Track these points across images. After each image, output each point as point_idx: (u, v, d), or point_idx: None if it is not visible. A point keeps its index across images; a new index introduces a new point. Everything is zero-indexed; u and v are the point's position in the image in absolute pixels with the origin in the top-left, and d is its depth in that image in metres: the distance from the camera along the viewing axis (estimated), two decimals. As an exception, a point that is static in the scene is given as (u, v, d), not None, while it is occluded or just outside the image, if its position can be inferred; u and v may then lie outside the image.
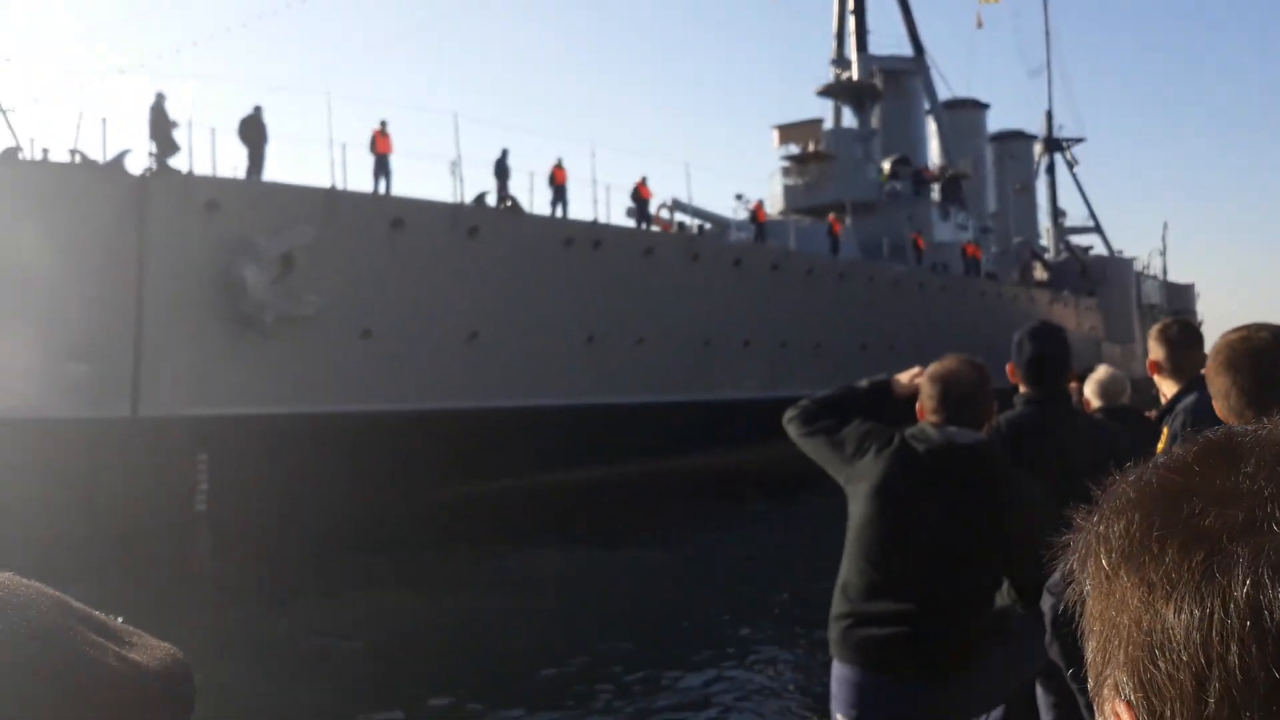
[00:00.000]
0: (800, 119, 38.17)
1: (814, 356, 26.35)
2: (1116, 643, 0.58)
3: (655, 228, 24.82)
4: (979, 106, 46.59)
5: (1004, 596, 3.14)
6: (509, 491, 19.30)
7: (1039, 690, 3.56)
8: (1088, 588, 0.61)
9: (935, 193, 37.85)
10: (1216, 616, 0.50)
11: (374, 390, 18.74)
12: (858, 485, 3.19)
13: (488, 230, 19.95)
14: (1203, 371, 2.77)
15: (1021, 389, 3.56)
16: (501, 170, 20.80)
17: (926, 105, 42.19)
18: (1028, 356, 3.52)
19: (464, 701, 8.72)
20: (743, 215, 28.90)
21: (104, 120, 17.08)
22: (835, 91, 39.45)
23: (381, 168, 19.59)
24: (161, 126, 17.43)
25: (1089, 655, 0.62)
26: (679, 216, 27.03)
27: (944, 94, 43.87)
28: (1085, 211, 54.34)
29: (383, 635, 11.31)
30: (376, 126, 19.73)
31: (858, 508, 3.19)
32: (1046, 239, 50.88)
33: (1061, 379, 3.62)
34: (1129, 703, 0.57)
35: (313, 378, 18.16)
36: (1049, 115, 53.40)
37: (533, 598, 13.39)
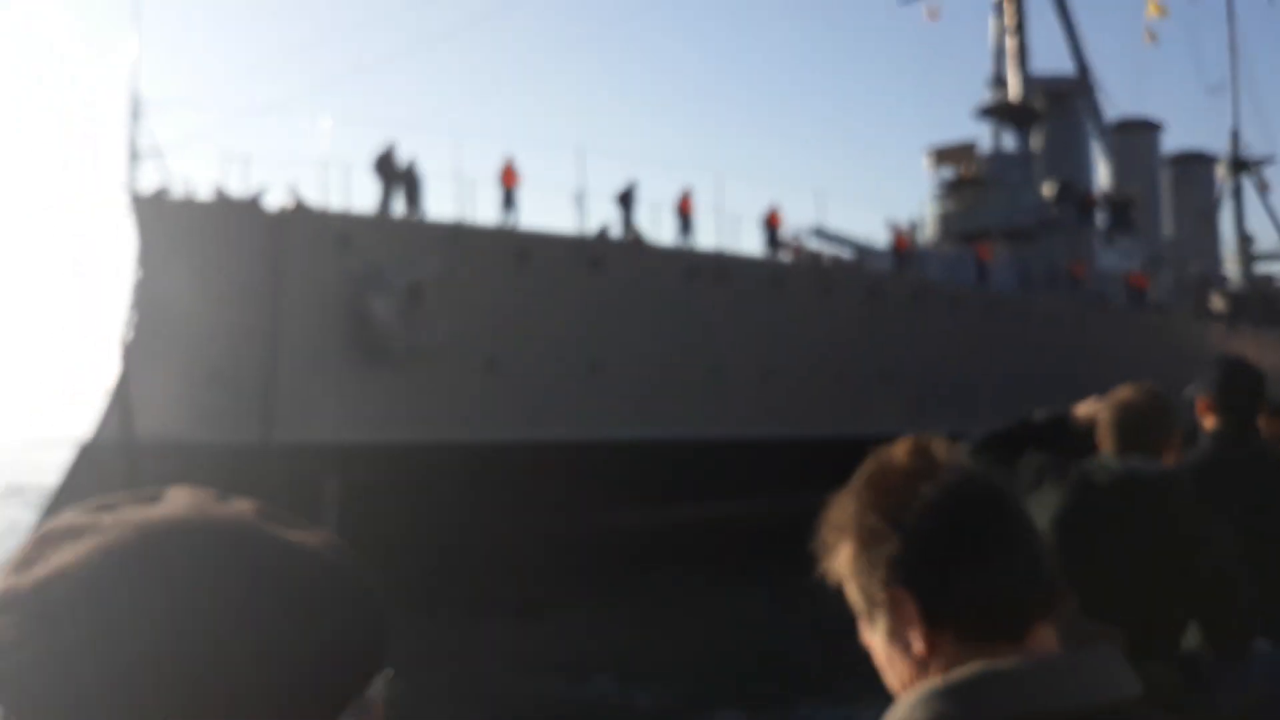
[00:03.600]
0: (956, 141, 36.88)
1: (960, 391, 25.16)
2: (875, 558, 1.07)
3: (788, 257, 24.26)
4: (1152, 127, 43.76)
5: (1193, 639, 2.91)
6: (630, 524, 19.13)
7: None
8: (848, 548, 1.11)
9: (1101, 219, 35.74)
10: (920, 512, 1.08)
11: (497, 420, 18.93)
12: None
13: (611, 262, 19.96)
14: None
15: (1207, 425, 3.40)
16: (626, 201, 20.82)
17: (1093, 127, 40.02)
18: (1215, 390, 3.38)
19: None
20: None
21: (246, 160, 17.99)
22: (993, 113, 37.85)
23: (509, 201, 19.91)
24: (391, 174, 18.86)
25: (854, 592, 1.11)
26: (816, 245, 26.35)
27: (1112, 115, 41.56)
28: (1278, 237, 50.28)
29: (502, 661, 11.33)
30: (504, 161, 20.08)
31: None
32: (1231, 267, 47.29)
33: (1251, 415, 3.45)
34: (902, 582, 1.05)
35: (438, 407, 18.51)
36: (1234, 134, 49.69)
37: (664, 631, 13.22)
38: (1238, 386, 3.39)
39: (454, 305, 18.26)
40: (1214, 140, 50.76)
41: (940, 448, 1.14)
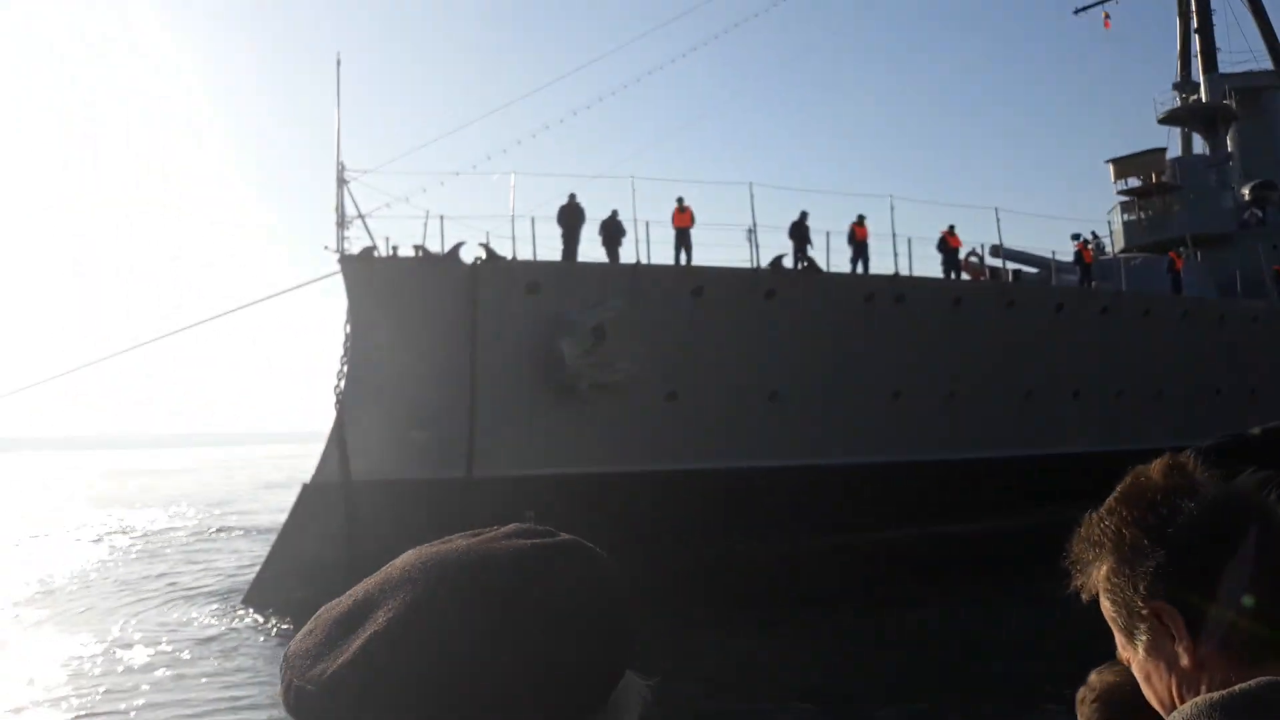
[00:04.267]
0: (1141, 150, 35.46)
1: (1157, 405, 24.13)
2: (1137, 573, 1.09)
3: (965, 277, 23.97)
4: (1366, 116, 40.72)
5: None
6: (815, 549, 19.30)
7: None
8: (1107, 564, 1.12)
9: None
10: (1178, 524, 1.09)
11: (680, 450, 19.53)
12: None
13: (784, 292, 20.35)
14: None
15: None
16: (799, 232, 21.19)
17: (1296, 122, 37.60)
18: None
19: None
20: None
21: (441, 218, 19.39)
22: (1181, 117, 36.25)
23: (682, 241, 20.64)
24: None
25: (1111, 606, 1.13)
26: (995, 262, 25.87)
27: (1318, 106, 38.91)
28: None
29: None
30: (675, 204, 20.88)
31: None
32: None
33: None
34: (1165, 599, 1.07)
35: (624, 439, 19.27)
36: None
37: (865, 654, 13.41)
38: None
39: (635, 342, 19.05)
40: None
41: (1195, 465, 1.16)
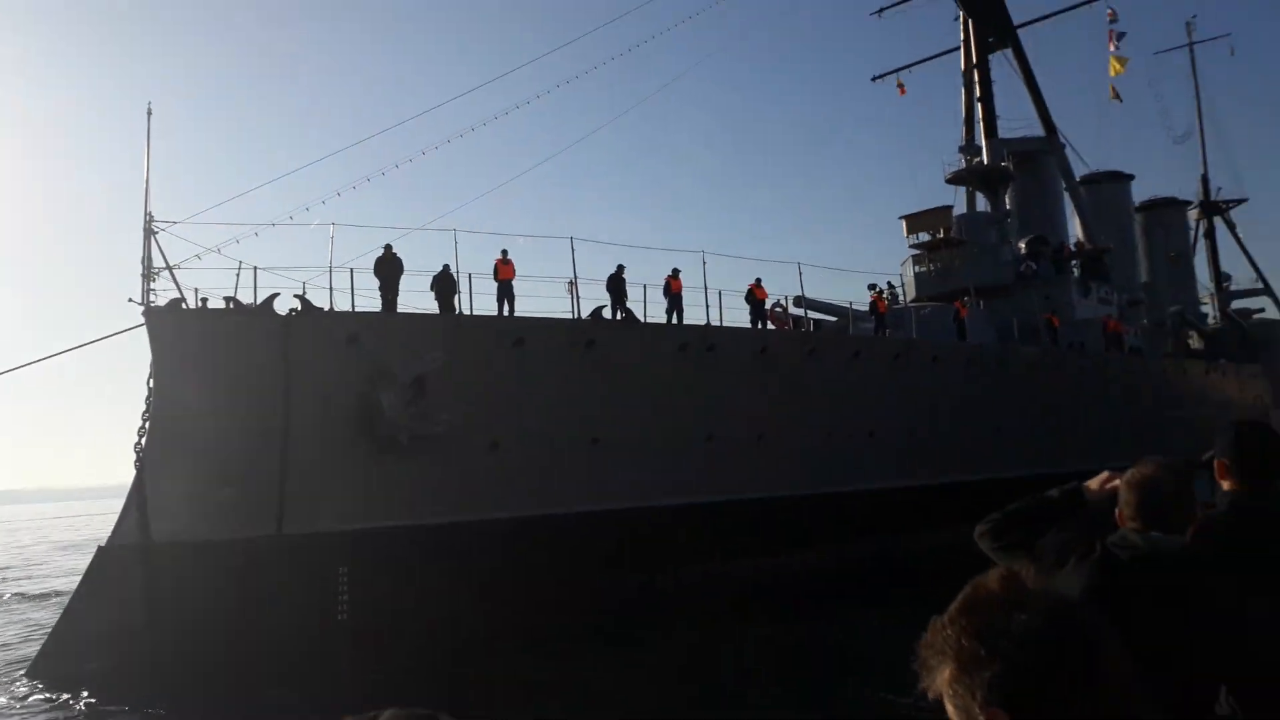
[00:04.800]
0: (931, 207, 38.27)
1: (945, 444, 25.91)
2: (975, 681, 1.17)
3: (771, 326, 25.24)
4: (1122, 178, 45.37)
5: (1223, 707, 2.77)
6: (632, 589, 19.77)
7: None
8: (948, 670, 1.20)
9: (1076, 270, 36.98)
10: (1005, 640, 1.16)
11: (502, 499, 19.65)
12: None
13: (604, 342, 20.91)
14: None
15: (1225, 486, 3.33)
16: (616, 285, 21.85)
17: (1064, 183, 41.52)
18: (1230, 454, 3.29)
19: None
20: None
21: (255, 269, 18.99)
22: (965, 178, 39.40)
23: (504, 292, 20.94)
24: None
25: (954, 711, 1.20)
26: (797, 312, 27.36)
27: (1083, 170, 43.14)
28: (1254, 274, 51.45)
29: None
30: (499, 256, 21.20)
31: None
32: (1211, 306, 48.47)
33: (1267, 477, 3.29)
34: (1000, 707, 1.15)
35: (445, 490, 19.23)
36: (1204, 179, 51.34)
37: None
38: (1251, 449, 3.29)
39: (457, 392, 19.09)
40: (1185, 188, 52.29)
41: (1030, 576, 1.26)
